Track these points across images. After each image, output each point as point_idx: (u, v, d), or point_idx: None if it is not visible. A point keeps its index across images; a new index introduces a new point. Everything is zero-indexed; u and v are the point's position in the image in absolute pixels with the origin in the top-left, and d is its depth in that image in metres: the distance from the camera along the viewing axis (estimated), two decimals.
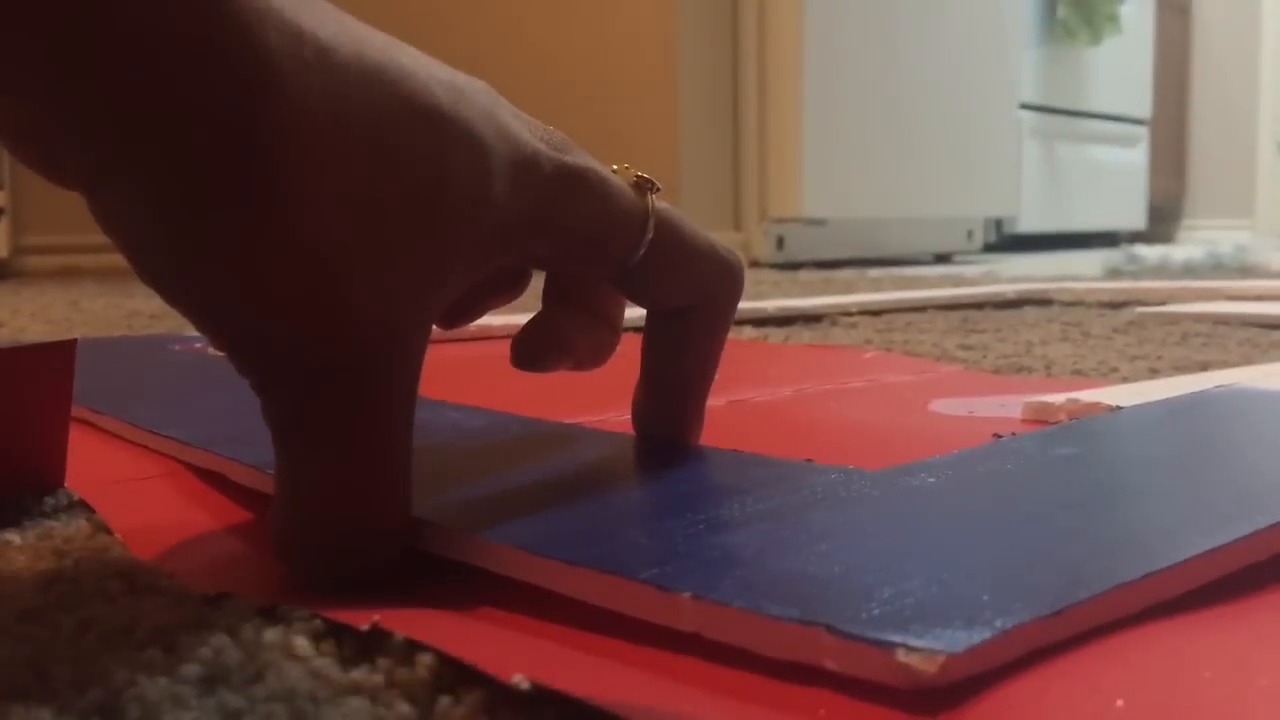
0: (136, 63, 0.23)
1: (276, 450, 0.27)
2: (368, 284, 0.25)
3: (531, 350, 0.34)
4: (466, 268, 0.28)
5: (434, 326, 0.35)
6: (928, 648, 0.19)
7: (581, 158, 0.30)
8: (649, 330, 0.36)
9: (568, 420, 0.43)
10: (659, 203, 0.32)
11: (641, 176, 0.32)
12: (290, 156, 0.24)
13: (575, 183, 0.30)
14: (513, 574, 0.25)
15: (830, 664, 0.20)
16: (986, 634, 0.20)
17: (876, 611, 0.20)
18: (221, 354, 0.26)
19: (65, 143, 0.24)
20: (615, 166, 0.32)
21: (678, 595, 0.22)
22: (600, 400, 0.50)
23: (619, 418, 0.37)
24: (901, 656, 0.19)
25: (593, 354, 0.35)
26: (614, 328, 0.35)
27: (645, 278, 0.33)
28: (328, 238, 0.25)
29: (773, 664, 0.20)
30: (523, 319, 0.35)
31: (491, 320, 0.66)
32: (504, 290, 0.34)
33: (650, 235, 0.32)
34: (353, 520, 0.26)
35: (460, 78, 0.28)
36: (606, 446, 0.36)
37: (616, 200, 0.31)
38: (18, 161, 0.26)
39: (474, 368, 0.67)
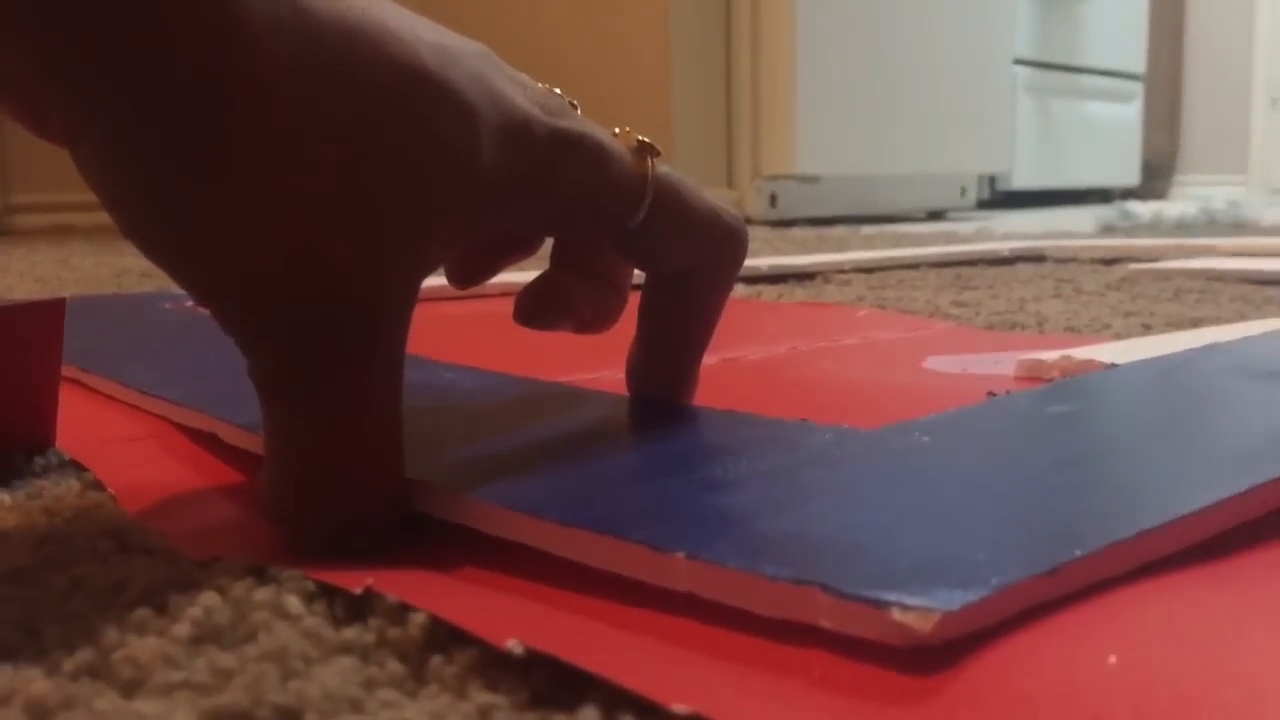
0: (108, 12, 0.23)
1: (263, 409, 0.26)
2: (349, 241, 0.25)
3: (534, 307, 0.34)
4: (453, 230, 0.28)
5: (451, 287, 0.34)
6: (923, 606, 0.19)
7: (578, 123, 0.30)
8: (648, 291, 0.36)
9: (560, 378, 0.43)
10: (661, 167, 0.32)
11: (643, 141, 0.32)
12: (259, 118, 0.24)
13: (569, 148, 0.29)
14: (506, 535, 0.25)
15: (825, 623, 0.20)
16: (981, 592, 0.20)
17: (871, 570, 0.20)
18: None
19: (46, 96, 0.24)
20: (616, 130, 0.32)
21: (672, 555, 0.22)
22: (593, 358, 0.50)
23: (612, 376, 0.37)
24: (896, 615, 0.19)
25: (597, 316, 0.35)
26: (620, 291, 0.35)
27: (646, 242, 0.33)
28: (305, 195, 0.24)
29: (767, 624, 0.20)
30: (519, 278, 0.34)
31: None
32: (516, 249, 0.34)
33: (649, 200, 0.32)
34: (340, 481, 0.26)
35: (452, 40, 0.28)
36: (600, 407, 0.36)
37: (613, 165, 0.31)
38: (6, 115, 0.25)
39: (466, 326, 0.67)
